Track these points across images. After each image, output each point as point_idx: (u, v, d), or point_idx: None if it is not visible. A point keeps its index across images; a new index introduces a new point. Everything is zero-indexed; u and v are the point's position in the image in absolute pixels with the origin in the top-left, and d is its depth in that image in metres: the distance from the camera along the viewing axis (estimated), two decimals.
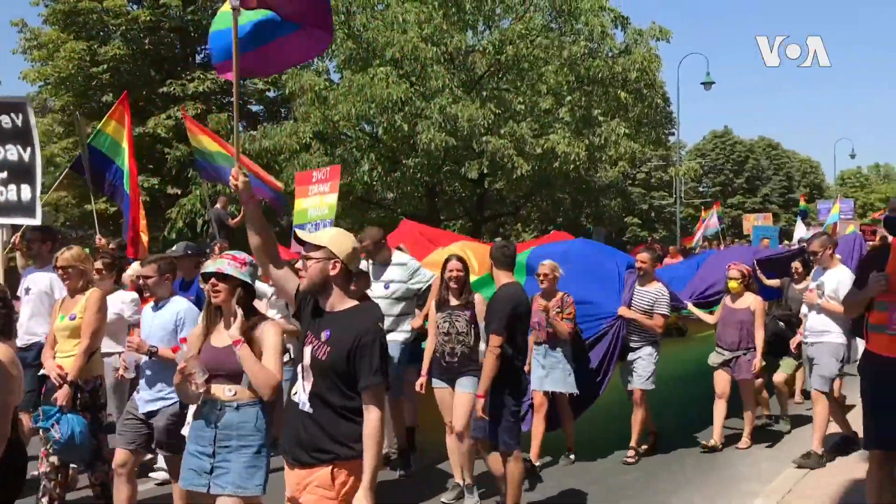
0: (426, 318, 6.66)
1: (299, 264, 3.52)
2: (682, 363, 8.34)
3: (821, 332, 6.72)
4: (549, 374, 6.78)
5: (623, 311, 7.23)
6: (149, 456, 5.97)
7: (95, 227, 9.57)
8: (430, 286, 6.62)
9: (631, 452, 7.11)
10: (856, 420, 5.98)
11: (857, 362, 5.16)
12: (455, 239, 10.10)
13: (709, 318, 7.90)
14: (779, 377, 8.07)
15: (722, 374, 7.49)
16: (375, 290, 6.55)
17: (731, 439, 7.52)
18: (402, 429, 6.83)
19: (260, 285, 5.94)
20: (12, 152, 7.03)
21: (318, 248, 3.36)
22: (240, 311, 3.79)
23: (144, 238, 9.15)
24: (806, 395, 8.69)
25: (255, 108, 27.07)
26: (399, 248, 7.21)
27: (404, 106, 18.01)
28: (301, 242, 3.50)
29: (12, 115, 7.01)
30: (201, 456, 3.81)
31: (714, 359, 7.59)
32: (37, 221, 7.06)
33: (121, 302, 6.32)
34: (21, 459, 3.70)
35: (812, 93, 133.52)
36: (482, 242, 10.60)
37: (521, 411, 5.93)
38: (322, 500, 3.23)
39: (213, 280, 3.84)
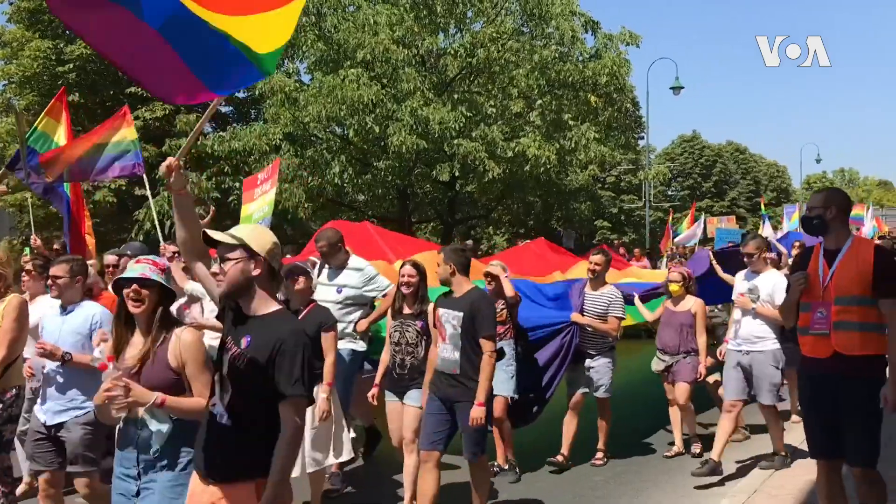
0: (374, 321, 6.55)
1: (215, 268, 3.18)
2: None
3: (757, 340, 6.48)
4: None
5: (576, 316, 7.01)
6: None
7: (31, 226, 9.25)
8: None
9: (599, 455, 7.11)
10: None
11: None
12: (421, 247, 9.21)
13: (647, 315, 7.84)
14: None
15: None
16: (326, 294, 6.37)
17: (706, 441, 7.46)
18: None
19: (195, 286, 5.72)
20: None
21: (235, 247, 3.05)
22: (156, 324, 3.47)
23: (91, 240, 8.94)
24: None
25: (224, 109, 26.84)
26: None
27: (375, 108, 17.96)
28: (214, 244, 3.15)
29: None
30: (127, 479, 3.48)
31: (656, 365, 7.53)
32: None
33: (49, 307, 5.69)
34: None
35: (780, 97, 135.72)
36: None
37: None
38: None
39: (135, 287, 3.47)
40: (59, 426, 4.67)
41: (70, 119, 9.11)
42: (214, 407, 3.10)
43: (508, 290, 6.63)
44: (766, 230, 20.31)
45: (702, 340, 7.24)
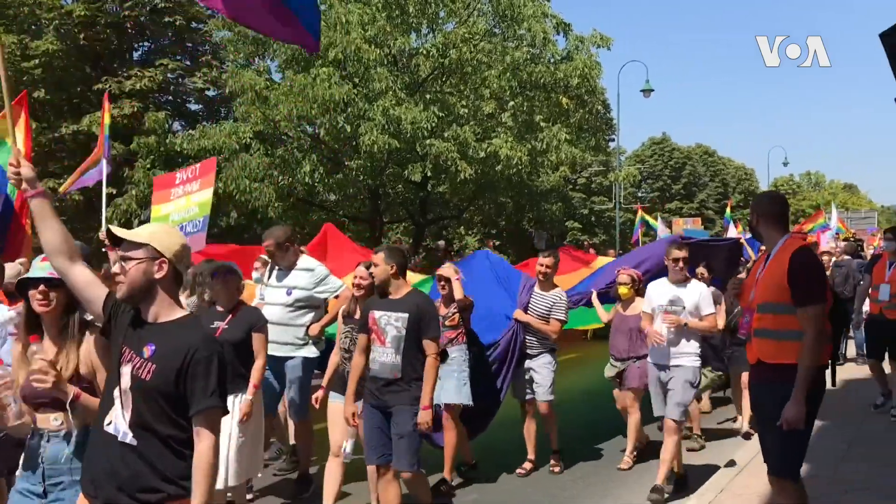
0: (327, 325, 6.33)
1: (116, 268, 2.95)
2: None
3: (678, 355, 6.09)
4: (443, 385, 6.11)
5: (518, 314, 6.90)
6: None
7: None
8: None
9: (553, 461, 7.03)
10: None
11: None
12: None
13: (604, 316, 7.73)
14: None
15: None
16: (276, 297, 6.16)
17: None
18: (309, 451, 6.40)
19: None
20: None
21: (138, 246, 2.83)
22: (71, 328, 3.25)
23: (28, 238, 8.70)
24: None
25: (194, 107, 26.57)
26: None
27: (347, 107, 17.89)
28: (116, 242, 2.92)
29: None
30: (31, 496, 3.21)
31: (609, 371, 7.40)
32: None
33: None
34: None
35: (748, 101, 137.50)
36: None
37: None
38: None
39: (42, 287, 3.22)
40: None
41: (33, 116, 8.89)
42: (110, 425, 2.79)
43: (458, 293, 6.43)
44: (730, 233, 20.59)
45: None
